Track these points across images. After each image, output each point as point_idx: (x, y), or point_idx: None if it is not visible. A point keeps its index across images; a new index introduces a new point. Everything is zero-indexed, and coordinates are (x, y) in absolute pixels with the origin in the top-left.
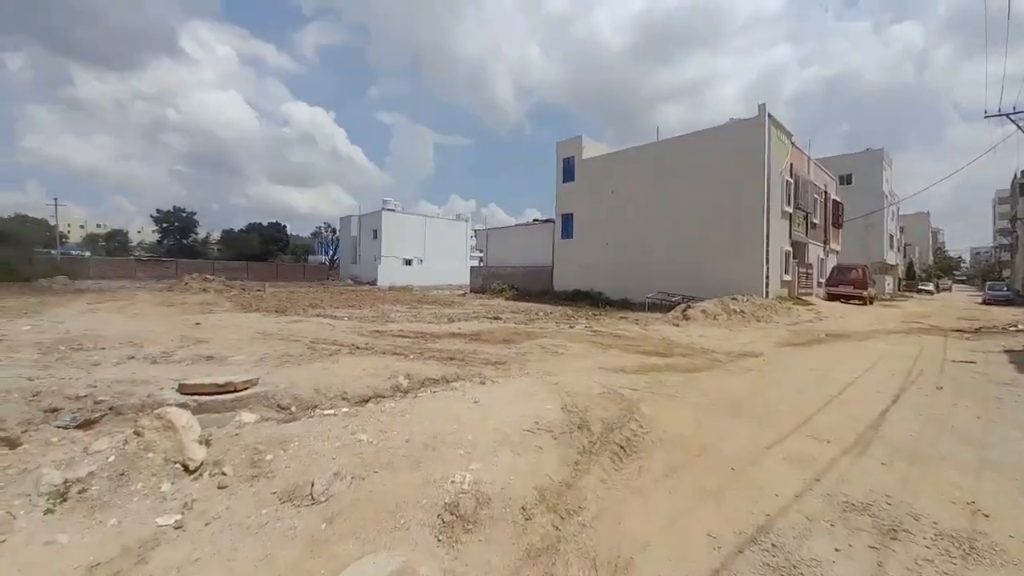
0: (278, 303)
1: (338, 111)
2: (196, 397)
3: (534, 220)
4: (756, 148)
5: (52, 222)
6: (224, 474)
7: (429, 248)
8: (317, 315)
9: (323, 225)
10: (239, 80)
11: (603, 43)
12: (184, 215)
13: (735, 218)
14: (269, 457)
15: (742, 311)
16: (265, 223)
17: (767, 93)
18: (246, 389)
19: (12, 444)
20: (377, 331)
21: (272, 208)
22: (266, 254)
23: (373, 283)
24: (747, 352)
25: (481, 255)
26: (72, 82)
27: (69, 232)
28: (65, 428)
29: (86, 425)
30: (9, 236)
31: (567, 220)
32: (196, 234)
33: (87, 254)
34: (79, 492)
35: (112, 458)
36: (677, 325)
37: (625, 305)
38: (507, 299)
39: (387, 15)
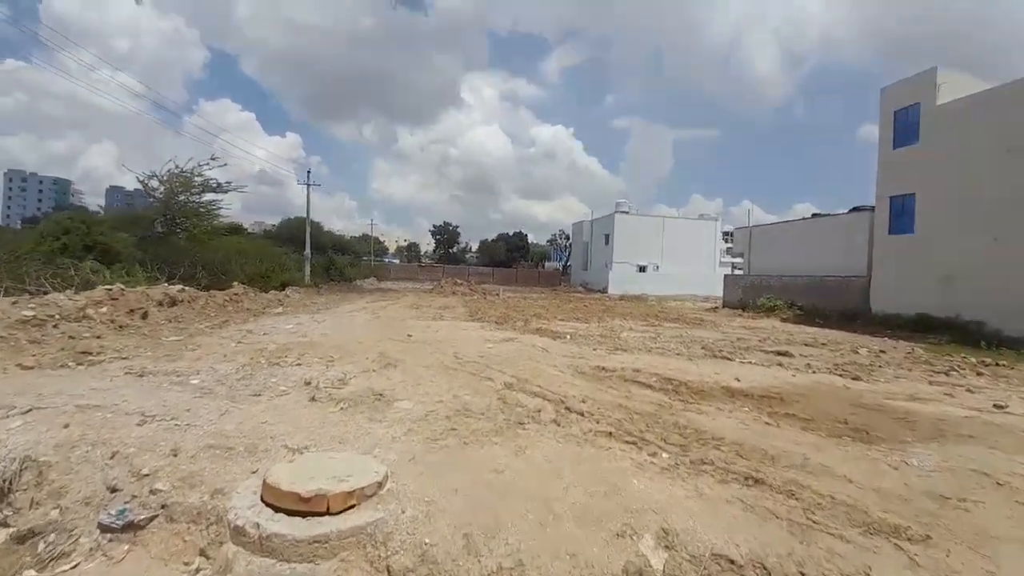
0: (504, 311)
1: (576, 125)
2: (271, 514)
3: (813, 214)
4: None
5: (382, 239)
6: None
7: (667, 253)
8: (536, 330)
9: (558, 232)
10: (499, 114)
11: None
12: (451, 229)
13: None
14: None
15: None
16: (511, 233)
17: None
18: (351, 508)
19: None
20: (602, 368)
21: (517, 219)
22: (510, 260)
23: (604, 291)
24: None
25: (736, 260)
26: (396, 139)
27: (386, 246)
28: (106, 529)
29: (130, 528)
30: (348, 249)
31: (902, 205)
32: (459, 244)
33: (396, 261)
34: None
35: None
36: None
37: None
38: (783, 320)
39: (629, 16)
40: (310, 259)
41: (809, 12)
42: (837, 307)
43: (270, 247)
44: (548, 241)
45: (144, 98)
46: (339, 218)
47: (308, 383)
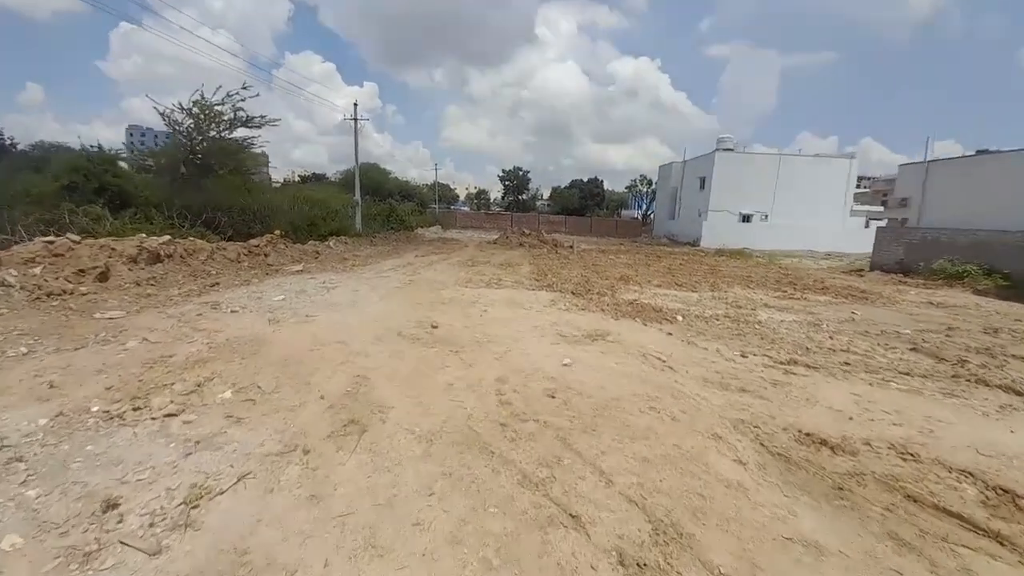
0: (582, 272)
1: (664, 56)
2: None
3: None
4: None
5: (453, 186)
6: None
7: (781, 199)
8: (631, 307)
9: (639, 177)
10: (576, 50)
11: None
12: (520, 174)
13: None
14: None
15: None
16: (585, 179)
17: None
18: None
19: None
20: (806, 436)
21: (591, 166)
22: (583, 208)
23: (695, 243)
24: None
25: (874, 210)
26: (467, 83)
27: (456, 193)
28: None
29: None
30: (415, 196)
31: None
32: (528, 191)
33: (465, 208)
34: None
35: None
36: None
37: None
38: (977, 292)
39: None
40: (360, 206)
41: None
42: None
43: (333, 194)
44: (627, 188)
45: (238, 57)
46: (414, 166)
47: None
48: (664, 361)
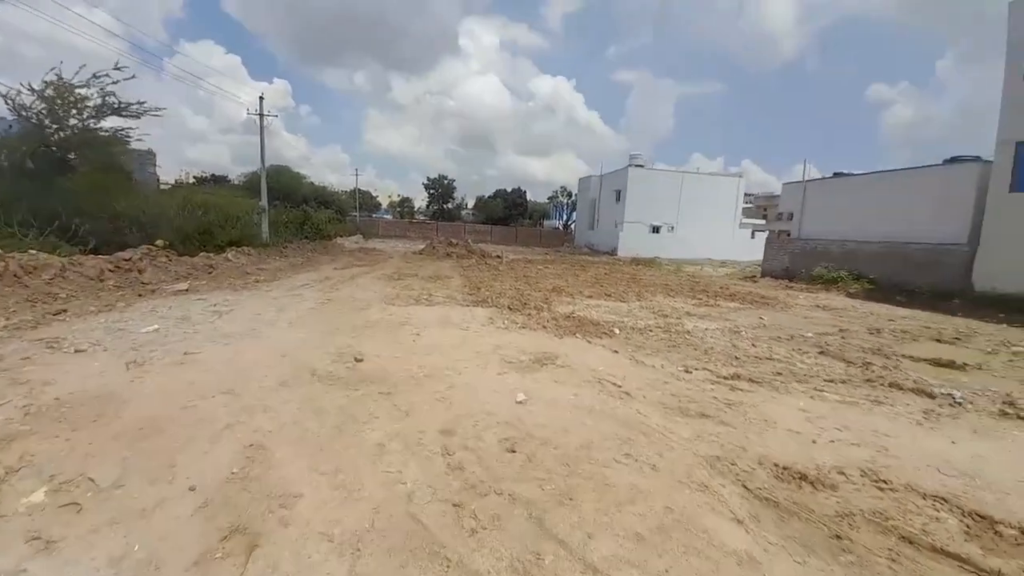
0: (514, 284)
1: (578, 77)
2: None
3: (836, 173)
4: None
5: (375, 193)
6: None
7: (684, 213)
8: (570, 321)
9: (560, 189)
10: (497, 64)
11: None
12: (445, 182)
13: None
14: None
15: None
16: (509, 189)
17: None
18: None
19: None
20: (801, 479)
21: (514, 176)
22: (508, 218)
23: (612, 253)
24: None
25: (757, 223)
26: (391, 88)
27: (378, 201)
28: None
29: None
30: (333, 203)
31: None
32: (454, 199)
33: (388, 216)
34: None
35: None
36: None
37: None
38: (850, 295)
39: None
40: (267, 212)
41: None
42: (924, 282)
43: (234, 198)
44: (548, 198)
45: (121, 39)
46: (332, 171)
47: None
48: (620, 386)
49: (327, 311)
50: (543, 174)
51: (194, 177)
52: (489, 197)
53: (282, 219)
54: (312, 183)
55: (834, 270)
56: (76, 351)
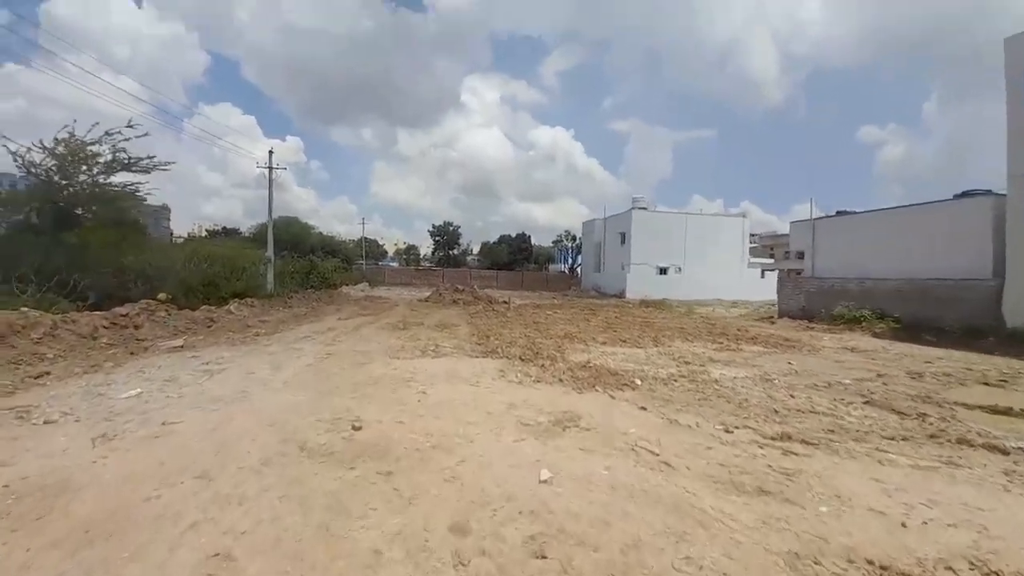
0: (524, 332)
1: (576, 127)
2: None
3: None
4: None
5: (381, 242)
6: None
7: (689, 253)
8: (587, 371)
9: (564, 233)
10: (499, 118)
11: None
12: (451, 229)
13: None
14: None
15: None
16: (513, 235)
17: None
18: None
19: None
20: None
21: (518, 222)
22: (513, 263)
23: (620, 295)
24: None
25: (765, 262)
26: (396, 142)
27: (384, 249)
28: None
29: None
30: (340, 252)
31: None
32: (459, 246)
33: (394, 264)
34: None
35: None
36: None
37: None
38: (875, 335)
39: (627, 17)
40: (273, 262)
41: (805, 14)
42: (952, 319)
43: (241, 249)
44: (553, 242)
45: (145, 103)
46: (340, 222)
47: None
48: (657, 455)
49: (327, 367)
50: (546, 219)
51: (206, 230)
52: (494, 243)
53: (288, 269)
54: (320, 233)
55: (855, 309)
56: (45, 422)
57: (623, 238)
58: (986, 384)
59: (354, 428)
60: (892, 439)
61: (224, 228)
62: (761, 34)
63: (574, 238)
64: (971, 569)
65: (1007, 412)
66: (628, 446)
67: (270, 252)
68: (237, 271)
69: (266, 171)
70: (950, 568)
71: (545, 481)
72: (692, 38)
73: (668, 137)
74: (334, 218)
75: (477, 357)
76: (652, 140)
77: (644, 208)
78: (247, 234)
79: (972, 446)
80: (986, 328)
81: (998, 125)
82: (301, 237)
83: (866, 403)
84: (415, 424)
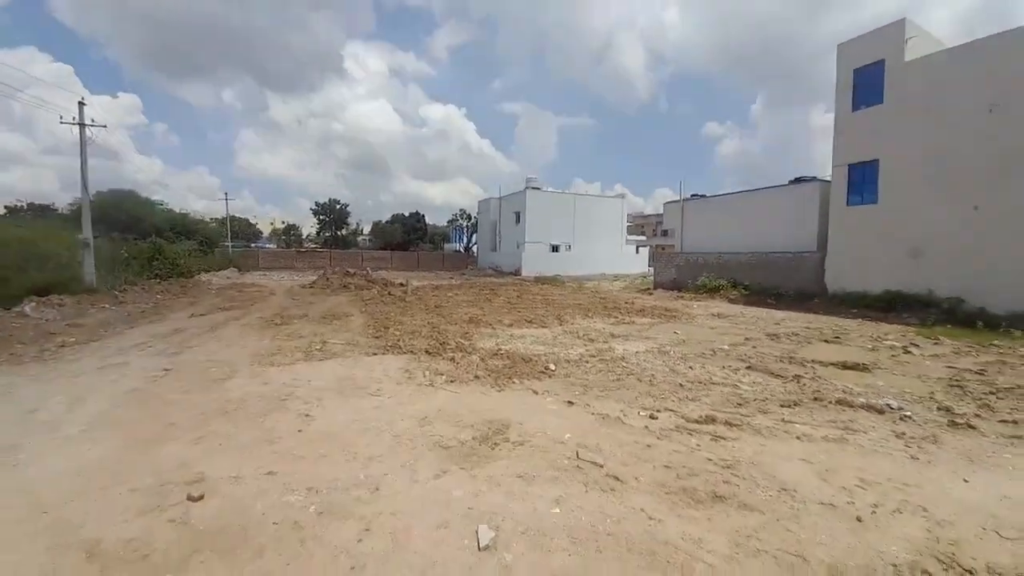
0: (427, 319)
1: (468, 106)
2: None
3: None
4: None
5: (254, 220)
6: None
7: (578, 232)
8: (502, 363)
9: (459, 212)
10: (387, 90)
11: None
12: (338, 207)
13: None
14: None
15: None
16: (407, 214)
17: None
18: None
19: None
20: None
21: (412, 201)
22: (407, 243)
23: (516, 273)
24: None
25: (640, 239)
26: (268, 107)
27: (259, 229)
28: None
29: None
30: (197, 233)
31: (862, 173)
32: (348, 225)
33: (272, 246)
34: None
35: None
36: None
37: None
38: (731, 300)
39: (510, 2)
40: (92, 247)
41: (668, 20)
42: (788, 285)
43: (45, 231)
44: (448, 222)
45: None
46: (198, 197)
47: None
48: (602, 467)
49: (161, 391)
50: (440, 198)
51: (4, 207)
52: (387, 222)
53: (123, 255)
54: (169, 210)
55: (715, 279)
56: None
57: (518, 217)
58: (826, 341)
59: (190, 499)
60: (787, 406)
61: (30, 204)
62: (631, 35)
63: (469, 217)
64: (945, 571)
65: (855, 367)
66: (570, 462)
67: (87, 233)
68: (37, 260)
69: (91, 134)
70: (926, 572)
71: (487, 547)
72: (573, 31)
73: (553, 122)
74: (191, 192)
75: (376, 354)
76: (540, 123)
77: (538, 188)
78: (65, 212)
79: (852, 407)
80: (814, 292)
81: (806, 127)
82: (141, 216)
83: (748, 368)
84: (293, 474)
